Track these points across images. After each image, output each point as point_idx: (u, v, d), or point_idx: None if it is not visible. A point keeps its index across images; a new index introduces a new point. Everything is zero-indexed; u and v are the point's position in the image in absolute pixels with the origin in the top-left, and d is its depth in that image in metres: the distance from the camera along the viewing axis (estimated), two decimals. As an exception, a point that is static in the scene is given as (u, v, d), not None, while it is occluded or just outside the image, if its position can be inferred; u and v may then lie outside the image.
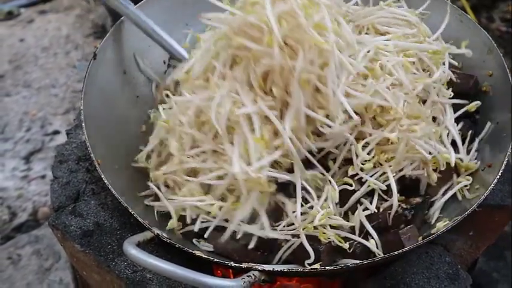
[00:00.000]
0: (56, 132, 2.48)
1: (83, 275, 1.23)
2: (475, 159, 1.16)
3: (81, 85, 1.18)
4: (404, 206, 1.07)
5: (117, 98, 1.27)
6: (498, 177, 1.05)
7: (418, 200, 1.09)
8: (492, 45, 1.24)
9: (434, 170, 1.11)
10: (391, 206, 1.07)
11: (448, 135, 1.15)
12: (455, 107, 1.21)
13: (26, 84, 2.71)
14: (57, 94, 2.65)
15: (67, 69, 2.77)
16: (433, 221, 1.10)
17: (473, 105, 1.21)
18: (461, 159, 1.14)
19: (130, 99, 1.30)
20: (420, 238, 1.04)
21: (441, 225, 1.05)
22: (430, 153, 1.09)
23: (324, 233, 1.03)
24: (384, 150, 1.08)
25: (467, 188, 1.12)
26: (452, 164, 1.11)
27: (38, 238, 2.11)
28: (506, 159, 1.07)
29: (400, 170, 1.09)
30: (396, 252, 0.98)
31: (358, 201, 1.09)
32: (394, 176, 1.07)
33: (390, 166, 1.07)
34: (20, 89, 2.69)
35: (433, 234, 1.01)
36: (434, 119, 1.16)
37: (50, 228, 1.19)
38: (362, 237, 1.05)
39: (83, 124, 1.13)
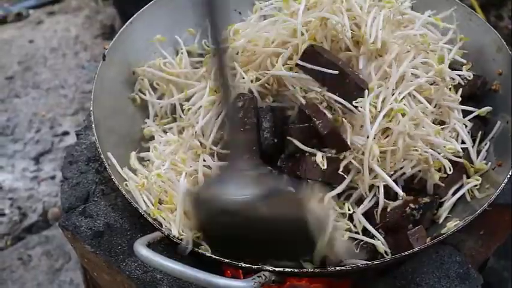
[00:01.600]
0: (65, 133, 2.50)
1: (94, 276, 1.23)
2: (485, 159, 1.16)
3: (90, 86, 1.19)
4: (413, 206, 1.06)
5: (126, 99, 1.28)
6: (509, 176, 1.04)
7: (426, 199, 1.08)
8: (502, 43, 1.23)
9: (439, 170, 1.10)
10: (399, 206, 1.06)
11: (457, 137, 1.15)
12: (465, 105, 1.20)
13: (35, 85, 2.73)
14: (66, 95, 2.67)
15: (76, 70, 2.79)
16: (441, 221, 1.10)
17: (484, 111, 1.20)
18: (471, 161, 1.14)
19: (139, 99, 1.30)
20: (428, 239, 1.04)
21: (452, 225, 1.05)
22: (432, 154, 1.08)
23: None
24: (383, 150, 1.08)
25: (477, 188, 1.12)
26: (461, 153, 1.12)
27: (48, 239, 2.12)
28: (517, 158, 1.06)
29: (401, 169, 1.08)
30: (406, 253, 0.98)
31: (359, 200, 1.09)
32: (393, 174, 1.07)
33: (391, 163, 1.07)
34: (29, 90, 2.71)
35: (443, 234, 1.01)
36: (443, 122, 1.16)
37: (60, 229, 1.20)
38: (369, 237, 1.06)
39: (93, 125, 1.13)
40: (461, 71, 1.21)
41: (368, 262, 1.00)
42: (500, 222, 1.21)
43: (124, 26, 1.30)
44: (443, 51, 1.23)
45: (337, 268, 1.00)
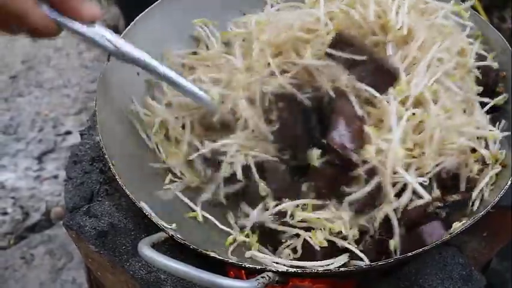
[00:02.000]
0: (68, 133, 2.50)
1: (98, 276, 1.23)
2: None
3: (93, 85, 1.19)
4: (438, 204, 1.02)
5: (130, 99, 1.28)
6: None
7: (455, 197, 1.04)
8: (506, 46, 1.23)
9: (476, 161, 1.07)
10: (422, 205, 1.02)
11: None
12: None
13: (38, 85, 2.73)
14: (69, 94, 2.67)
15: (79, 69, 2.79)
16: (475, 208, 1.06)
17: (501, 99, 1.18)
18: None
19: (144, 99, 1.30)
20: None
21: (457, 226, 1.04)
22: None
23: (316, 236, 1.04)
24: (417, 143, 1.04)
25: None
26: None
27: (51, 238, 2.13)
28: (520, 160, 1.06)
29: (437, 166, 1.04)
30: (410, 254, 0.97)
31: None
32: (429, 172, 1.03)
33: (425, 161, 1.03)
34: (33, 89, 2.71)
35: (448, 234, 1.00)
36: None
37: (64, 228, 1.20)
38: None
39: (97, 125, 1.13)
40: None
41: (371, 263, 1.00)
42: (503, 224, 1.21)
43: (128, 27, 1.30)
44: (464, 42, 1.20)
45: (341, 269, 1.01)
